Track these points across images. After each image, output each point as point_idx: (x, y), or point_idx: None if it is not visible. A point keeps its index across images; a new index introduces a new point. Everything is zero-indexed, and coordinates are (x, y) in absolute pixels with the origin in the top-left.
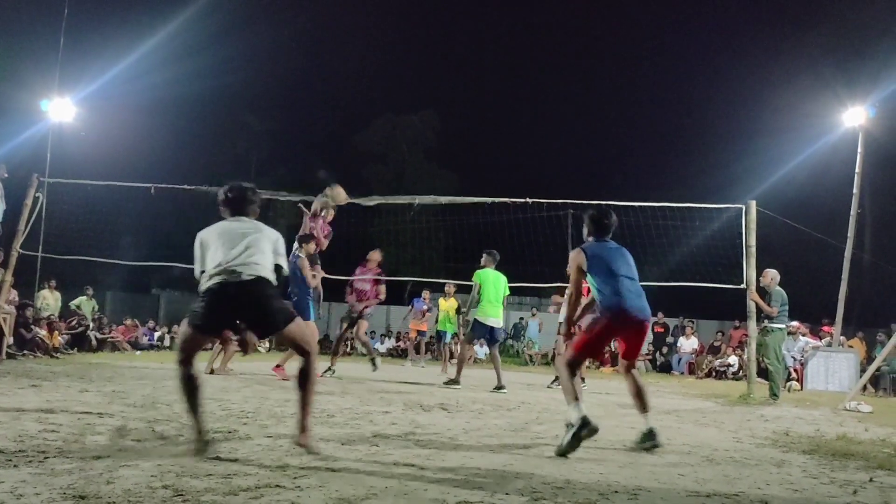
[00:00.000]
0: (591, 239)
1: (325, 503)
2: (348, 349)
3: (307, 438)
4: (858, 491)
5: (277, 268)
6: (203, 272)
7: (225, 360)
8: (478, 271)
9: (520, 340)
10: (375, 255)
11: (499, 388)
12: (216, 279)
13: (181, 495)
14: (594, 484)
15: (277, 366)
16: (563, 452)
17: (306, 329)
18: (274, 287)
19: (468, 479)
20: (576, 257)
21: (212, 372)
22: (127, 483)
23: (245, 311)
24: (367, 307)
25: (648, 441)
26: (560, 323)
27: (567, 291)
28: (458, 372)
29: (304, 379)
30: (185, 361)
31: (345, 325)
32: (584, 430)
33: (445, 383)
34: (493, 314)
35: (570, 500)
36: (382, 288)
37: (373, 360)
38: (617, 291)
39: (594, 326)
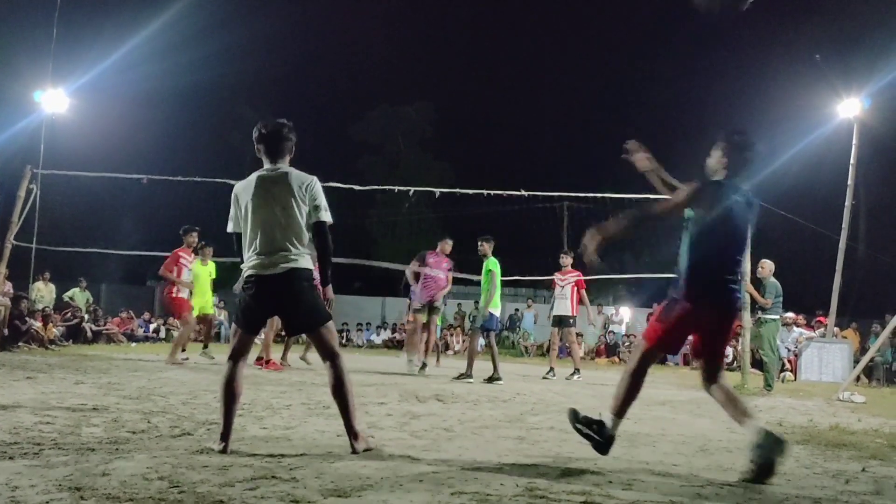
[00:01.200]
0: (724, 173)
1: (321, 494)
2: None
3: (363, 442)
4: (851, 481)
5: (318, 226)
6: (236, 234)
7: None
8: (493, 259)
9: (515, 331)
10: (447, 247)
11: (495, 378)
12: (251, 271)
13: (177, 487)
14: (589, 474)
15: (259, 358)
16: (572, 419)
17: (335, 332)
18: (309, 279)
19: (463, 469)
20: (692, 184)
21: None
22: (122, 475)
23: (279, 306)
24: (436, 296)
25: (768, 450)
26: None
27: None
28: (470, 365)
29: (339, 384)
30: (232, 357)
31: (423, 319)
32: (601, 447)
33: (456, 378)
34: (498, 304)
35: (564, 490)
36: (451, 276)
37: (423, 364)
38: (715, 264)
39: (672, 311)
